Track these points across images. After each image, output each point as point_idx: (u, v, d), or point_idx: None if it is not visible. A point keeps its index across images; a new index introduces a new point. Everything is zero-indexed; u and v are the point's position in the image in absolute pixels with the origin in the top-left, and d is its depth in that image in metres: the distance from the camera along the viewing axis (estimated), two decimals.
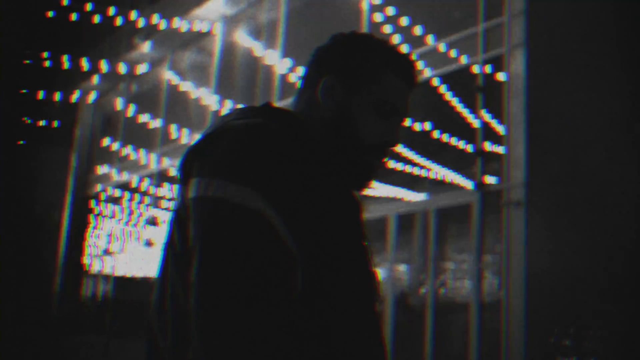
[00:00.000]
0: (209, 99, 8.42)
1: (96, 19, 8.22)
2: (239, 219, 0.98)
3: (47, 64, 8.84)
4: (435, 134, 5.88)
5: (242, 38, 8.27)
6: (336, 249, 1.05)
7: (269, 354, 0.94)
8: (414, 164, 5.97)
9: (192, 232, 1.02)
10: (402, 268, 6.16)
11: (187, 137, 8.52)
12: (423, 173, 5.92)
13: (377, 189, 5.87)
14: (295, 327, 0.99)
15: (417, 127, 5.94)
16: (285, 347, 0.96)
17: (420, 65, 5.80)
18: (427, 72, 5.91)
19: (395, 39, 6.17)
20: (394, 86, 1.22)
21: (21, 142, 10.91)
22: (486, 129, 5.34)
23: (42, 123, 10.55)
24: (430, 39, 6.01)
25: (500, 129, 5.20)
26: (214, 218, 1.00)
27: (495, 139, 5.24)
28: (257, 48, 7.93)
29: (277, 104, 1.27)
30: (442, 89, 5.95)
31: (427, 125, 5.95)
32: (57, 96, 10.19)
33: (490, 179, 5.21)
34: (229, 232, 0.98)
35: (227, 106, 8.01)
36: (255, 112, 1.14)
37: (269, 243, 0.97)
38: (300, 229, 1.01)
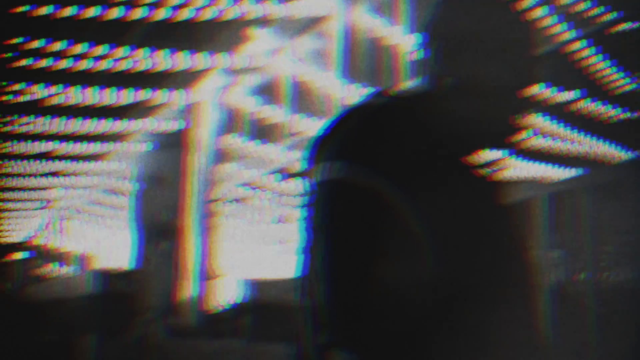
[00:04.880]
0: (333, 86, 8.39)
1: (210, 13, 8.35)
2: (361, 200, 1.01)
3: (165, 64, 9.05)
4: (585, 103, 5.54)
5: (364, 17, 8.15)
6: (468, 233, 1.04)
7: (397, 342, 0.95)
8: (563, 139, 5.66)
9: (317, 216, 1.05)
10: (555, 254, 5.91)
11: (313, 128, 8.53)
12: (575, 147, 5.61)
13: (523, 168, 5.62)
14: (426, 314, 0.99)
15: (565, 96, 5.61)
16: (415, 336, 0.96)
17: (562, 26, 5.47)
18: (569, 34, 5.58)
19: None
20: None
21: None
22: None
23: (165, 126, 10.85)
24: None
25: None
26: (336, 200, 1.03)
27: None
28: (380, 27, 7.81)
29: (405, 83, 1.24)
30: (589, 51, 5.61)
31: (576, 94, 5.61)
32: (175, 96, 10.45)
33: None
34: (352, 214, 1.01)
35: (352, 91, 7.96)
36: (380, 95, 1.16)
37: (391, 225, 0.99)
38: (428, 210, 1.01)
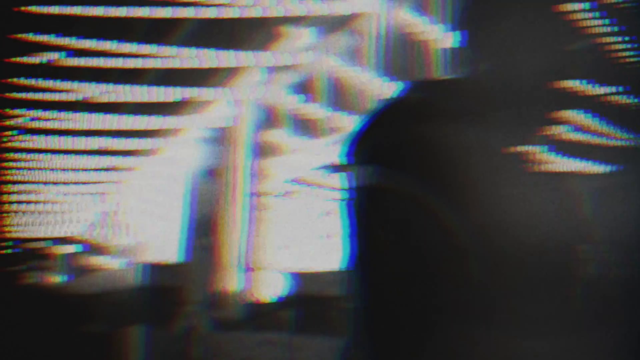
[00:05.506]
0: (371, 82, 8.49)
1: (252, 12, 8.52)
2: (397, 206, 0.98)
3: (210, 62, 9.25)
4: (623, 98, 5.59)
5: (401, 14, 8.26)
6: (514, 236, 0.99)
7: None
8: (602, 133, 5.72)
9: (350, 221, 1.02)
10: (598, 247, 5.90)
11: (352, 124, 8.61)
12: (613, 142, 5.65)
13: (562, 162, 5.67)
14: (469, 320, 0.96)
15: (603, 90, 5.66)
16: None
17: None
18: (607, 27, 5.62)
19: None
20: None
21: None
22: None
23: (212, 123, 11.08)
24: None
25: None
26: (370, 207, 1.00)
27: None
28: (418, 23, 7.89)
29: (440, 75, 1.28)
30: (626, 45, 5.63)
31: (613, 89, 5.66)
32: (221, 93, 10.66)
33: None
34: (387, 222, 0.98)
35: (390, 88, 8.04)
36: (416, 88, 1.12)
37: (430, 233, 0.95)
38: (469, 215, 0.97)
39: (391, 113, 1.05)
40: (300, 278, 9.70)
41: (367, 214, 1.00)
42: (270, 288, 10.67)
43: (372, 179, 0.99)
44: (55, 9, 7.37)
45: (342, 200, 1.09)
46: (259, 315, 10.61)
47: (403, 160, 0.99)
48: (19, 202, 12.02)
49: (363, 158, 1.02)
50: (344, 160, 1.06)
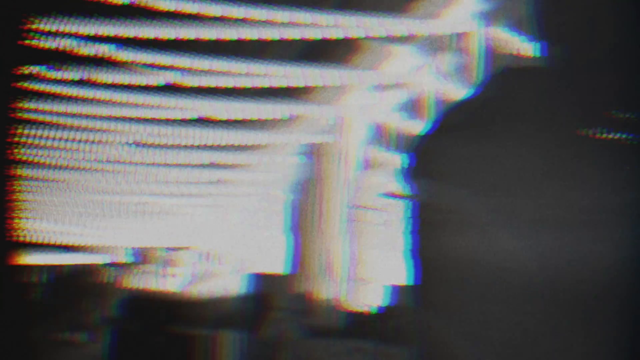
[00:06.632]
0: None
1: (357, 32, 8.80)
2: (441, 218, 1.01)
3: (315, 80, 9.60)
4: None
5: (502, 33, 8.33)
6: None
7: None
8: None
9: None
10: None
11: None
12: None
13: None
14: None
15: None
16: None
17: None
18: None
19: None
20: None
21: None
22: None
23: (316, 138, 11.45)
24: None
25: None
26: (417, 218, 1.07)
27: None
28: (518, 42, 7.95)
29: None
30: None
31: None
32: (325, 110, 11.00)
33: None
34: (429, 233, 1.03)
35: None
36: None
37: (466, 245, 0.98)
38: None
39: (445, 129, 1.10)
40: (397, 290, 9.83)
41: (412, 223, 1.07)
42: (369, 298, 10.85)
43: (417, 192, 1.06)
44: (170, 32, 7.95)
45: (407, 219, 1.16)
46: (351, 324, 10.79)
47: (444, 173, 1.02)
48: (137, 211, 12.76)
49: (420, 175, 1.08)
50: (406, 176, 1.11)
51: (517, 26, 7.94)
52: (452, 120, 1.10)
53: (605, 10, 1.13)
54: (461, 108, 1.17)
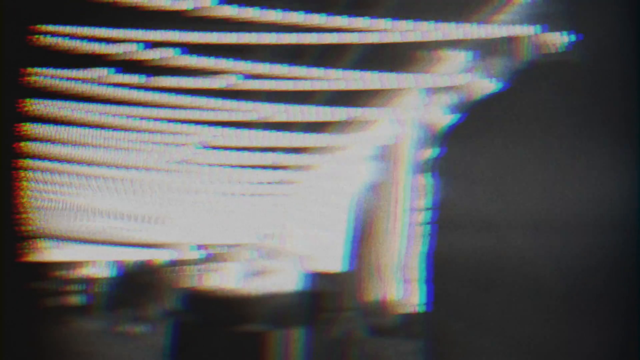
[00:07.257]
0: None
1: (413, 36, 9.02)
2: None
3: (373, 84, 9.86)
4: None
5: (554, 37, 8.46)
6: None
7: None
8: None
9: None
10: None
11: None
12: None
13: None
14: None
15: None
16: None
17: None
18: None
19: None
20: None
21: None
22: None
23: (376, 140, 11.72)
24: None
25: None
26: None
27: None
28: (565, 44, 8.06)
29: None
30: None
31: None
32: (385, 113, 11.24)
33: None
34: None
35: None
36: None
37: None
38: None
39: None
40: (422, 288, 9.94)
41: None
42: (416, 299, 10.99)
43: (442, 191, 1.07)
44: (232, 37, 8.33)
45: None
46: (415, 324, 10.92)
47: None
48: (200, 210, 13.19)
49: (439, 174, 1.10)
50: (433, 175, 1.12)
51: (560, 28, 8.04)
52: (485, 123, 1.05)
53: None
54: (499, 109, 1.12)
